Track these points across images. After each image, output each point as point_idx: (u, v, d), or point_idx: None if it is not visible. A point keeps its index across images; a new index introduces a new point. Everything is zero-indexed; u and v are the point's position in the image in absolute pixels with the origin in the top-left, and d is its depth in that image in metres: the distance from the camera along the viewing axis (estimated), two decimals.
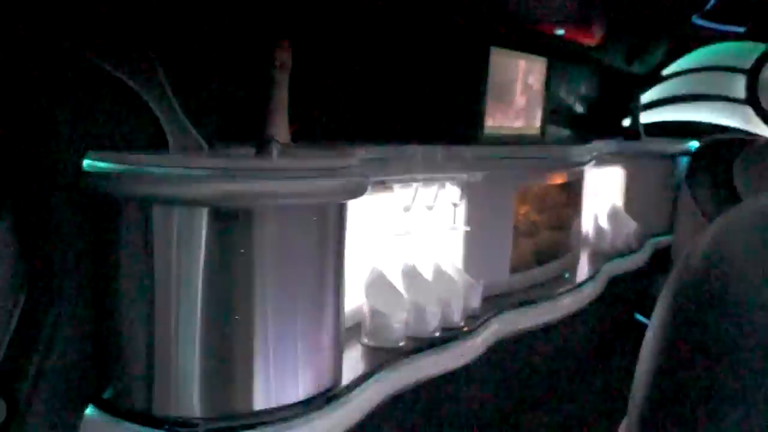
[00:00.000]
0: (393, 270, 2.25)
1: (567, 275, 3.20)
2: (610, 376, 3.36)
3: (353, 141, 2.50)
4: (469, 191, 2.47)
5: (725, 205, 4.12)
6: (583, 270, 3.37)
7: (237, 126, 2.11)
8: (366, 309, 2.10)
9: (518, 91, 3.12)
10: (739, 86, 4.44)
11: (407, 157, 2.20)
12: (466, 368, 2.32)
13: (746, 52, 4.40)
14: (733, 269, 0.68)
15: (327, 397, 1.74)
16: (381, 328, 2.08)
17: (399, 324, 2.10)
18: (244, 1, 2.01)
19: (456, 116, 2.85)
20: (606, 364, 3.53)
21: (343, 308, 1.82)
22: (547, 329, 2.84)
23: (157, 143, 1.67)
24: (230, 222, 1.56)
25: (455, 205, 2.42)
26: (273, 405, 1.64)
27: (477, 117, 2.83)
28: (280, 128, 1.73)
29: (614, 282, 3.55)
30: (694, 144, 4.35)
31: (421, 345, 2.16)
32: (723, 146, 4.24)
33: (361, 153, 2.11)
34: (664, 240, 4.26)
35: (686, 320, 0.68)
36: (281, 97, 1.72)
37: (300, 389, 1.68)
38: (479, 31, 2.84)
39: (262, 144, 1.71)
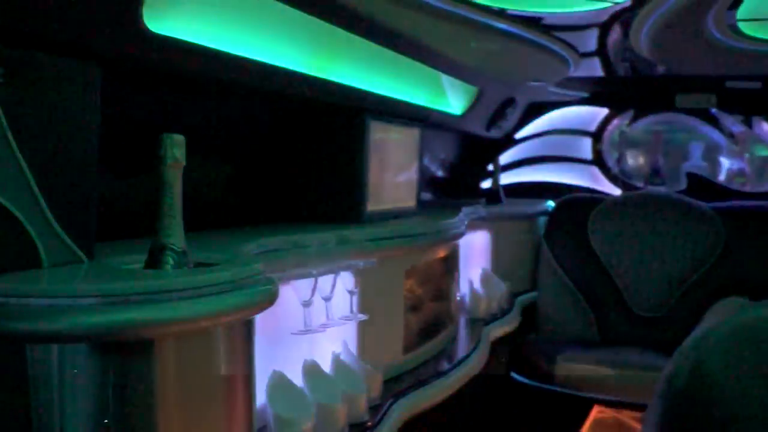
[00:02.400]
0: (294, 369, 2.11)
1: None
2: None
3: (233, 227, 2.38)
4: (362, 276, 2.39)
5: (582, 261, 4.32)
6: (466, 339, 3.37)
7: (122, 227, 1.93)
8: (270, 416, 1.95)
9: (396, 161, 3.10)
10: (586, 148, 4.72)
11: (302, 247, 2.10)
12: None
13: (592, 115, 4.68)
14: (715, 390, 0.71)
15: None
16: None
17: (306, 430, 1.96)
18: (127, 93, 1.85)
19: (336, 194, 2.78)
20: (493, 428, 3.56)
21: (254, 423, 1.67)
22: (442, 403, 2.79)
23: (27, 260, 1.45)
24: (121, 355, 1.38)
25: (351, 293, 2.33)
26: None
27: (358, 194, 2.77)
28: (175, 233, 1.55)
29: (493, 345, 3.58)
30: (551, 204, 4.53)
31: None
32: (577, 205, 4.45)
33: (252, 248, 1.99)
34: (528, 298, 4.38)
35: None
36: (175, 197, 1.55)
37: None
38: (355, 102, 2.80)
39: (153, 254, 1.55)
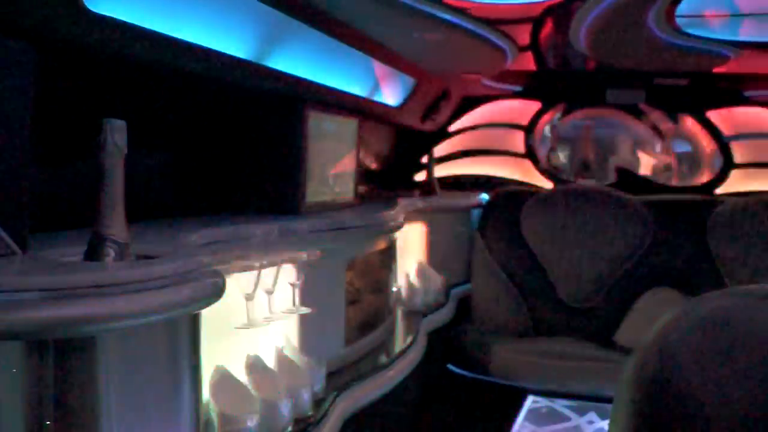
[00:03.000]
0: (237, 365, 2.05)
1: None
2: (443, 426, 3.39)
3: (169, 218, 2.30)
4: (304, 269, 2.34)
5: (515, 253, 4.38)
6: (404, 331, 3.36)
7: (58, 218, 1.83)
8: (214, 414, 1.88)
9: (334, 153, 3.06)
10: (518, 141, 4.77)
11: (244, 238, 2.03)
12: None
13: (524, 109, 4.73)
14: (685, 382, 0.70)
15: None
16: None
17: (251, 426, 1.91)
18: (62, 76, 1.75)
19: (275, 185, 2.72)
20: (431, 418, 3.57)
21: (201, 421, 1.61)
22: (383, 397, 2.77)
23: None
24: (61, 352, 1.30)
25: (294, 285, 2.28)
26: None
27: (297, 185, 2.72)
28: (116, 223, 1.47)
29: (430, 338, 3.58)
30: (485, 196, 4.57)
31: None
32: (510, 198, 4.49)
33: (195, 239, 1.93)
34: (463, 290, 4.41)
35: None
36: (116, 186, 1.47)
37: None
38: (295, 90, 2.74)
39: (93, 246, 1.47)
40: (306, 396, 2.18)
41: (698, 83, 4.19)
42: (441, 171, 4.71)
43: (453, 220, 4.41)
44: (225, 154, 2.69)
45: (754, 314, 0.73)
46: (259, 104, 2.69)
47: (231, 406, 1.89)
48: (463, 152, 4.81)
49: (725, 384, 0.69)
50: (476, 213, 4.55)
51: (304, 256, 2.22)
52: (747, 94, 4.25)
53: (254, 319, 2.07)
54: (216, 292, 1.53)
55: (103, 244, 1.45)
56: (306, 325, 2.44)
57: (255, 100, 2.68)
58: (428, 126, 4.51)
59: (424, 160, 4.73)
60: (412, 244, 3.99)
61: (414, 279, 3.80)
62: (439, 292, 3.91)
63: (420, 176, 4.79)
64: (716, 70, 4.08)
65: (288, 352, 2.28)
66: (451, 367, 3.99)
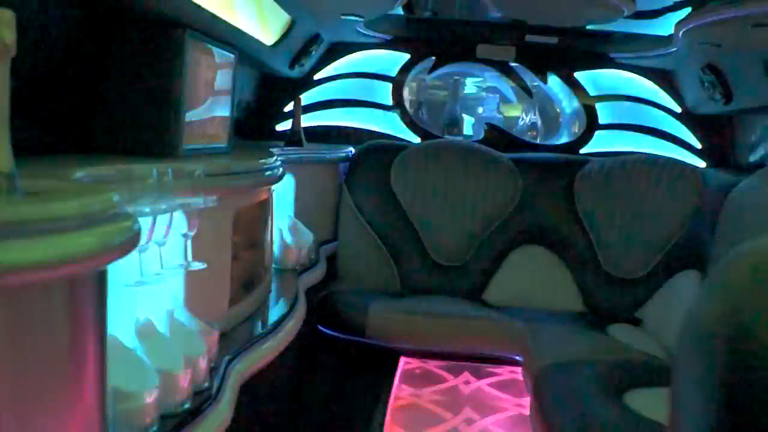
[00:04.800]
0: (125, 332, 1.70)
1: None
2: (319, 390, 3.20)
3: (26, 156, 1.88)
4: (194, 219, 2.01)
5: (384, 209, 4.21)
6: (282, 291, 3.08)
7: None
8: (107, 389, 1.54)
9: (211, 92, 2.70)
10: (387, 93, 4.57)
11: (140, 179, 1.68)
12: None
13: (392, 61, 4.54)
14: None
15: None
16: (130, 413, 1.54)
17: (150, 402, 1.58)
18: None
19: (148, 123, 2.33)
20: (310, 382, 3.37)
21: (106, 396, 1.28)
22: (273, 361, 2.51)
23: None
24: None
25: (186, 236, 1.95)
26: None
27: (175, 125, 2.35)
28: (0, 150, 1.10)
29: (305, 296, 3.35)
30: (352, 149, 4.35)
31: (174, 423, 1.67)
32: (379, 151, 4.31)
33: (81, 177, 1.56)
34: (331, 246, 4.19)
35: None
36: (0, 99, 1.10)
37: None
38: (172, 11, 2.36)
39: None
40: (204, 365, 1.88)
41: (567, 43, 4.19)
42: (305, 122, 4.42)
43: (321, 173, 4.15)
44: (87, 83, 2.27)
45: None
46: (132, 26, 2.29)
47: (126, 381, 1.55)
48: (329, 102, 4.55)
49: None
50: (343, 167, 4.33)
51: (200, 201, 1.89)
52: (613, 56, 4.32)
53: (148, 276, 1.73)
54: (133, 239, 1.20)
55: None
56: (192, 284, 2.11)
57: (126, 20, 2.28)
58: (296, 72, 4.20)
59: (287, 109, 4.44)
60: (281, 198, 3.70)
61: (287, 236, 3.51)
62: (312, 250, 3.67)
63: (282, 127, 4.48)
64: (588, 29, 4.12)
65: (179, 316, 1.95)
66: (322, 328, 3.77)
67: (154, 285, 1.77)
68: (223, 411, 1.89)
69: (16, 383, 1.06)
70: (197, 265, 1.98)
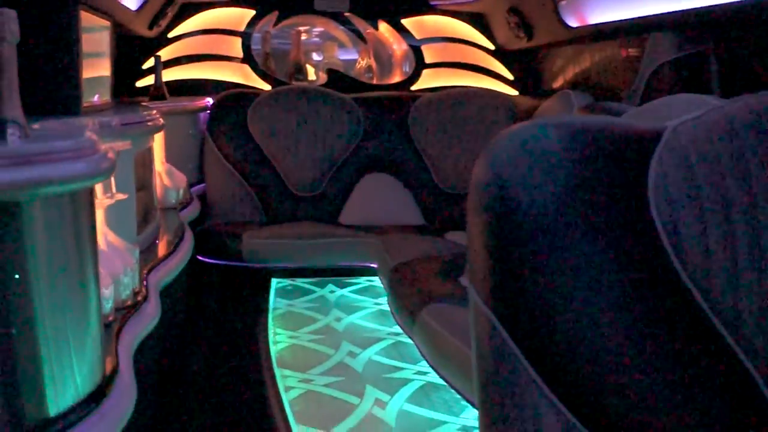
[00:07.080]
0: None
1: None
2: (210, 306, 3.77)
3: None
4: None
5: (244, 151, 4.73)
6: (172, 223, 3.58)
7: None
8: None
9: (96, 53, 3.10)
10: (237, 47, 5.04)
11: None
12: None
13: (240, 16, 5.01)
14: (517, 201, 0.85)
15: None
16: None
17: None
18: None
19: (52, 84, 2.73)
20: (199, 304, 3.89)
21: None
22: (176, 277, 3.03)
23: None
24: None
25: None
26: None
27: (76, 84, 2.76)
28: (15, 107, 1.58)
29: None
30: (210, 100, 4.80)
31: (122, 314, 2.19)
32: (235, 100, 4.80)
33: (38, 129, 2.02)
34: (201, 187, 4.68)
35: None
36: (12, 72, 1.57)
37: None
38: None
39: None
40: (127, 281, 2.36)
41: None
42: (164, 76, 4.81)
43: (184, 122, 4.59)
44: None
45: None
46: None
47: None
48: (185, 58, 4.95)
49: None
50: (203, 116, 4.78)
51: (125, 145, 2.37)
52: (433, 3, 5.03)
53: None
54: (111, 168, 1.72)
55: (4, 125, 1.56)
56: (109, 214, 2.58)
57: None
58: (153, 32, 4.56)
59: (145, 66, 4.80)
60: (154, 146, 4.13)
61: (165, 178, 3.97)
62: (185, 190, 4.14)
63: (141, 83, 4.84)
64: None
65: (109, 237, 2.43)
66: (202, 258, 4.28)
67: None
68: (155, 308, 2.42)
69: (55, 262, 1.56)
70: (120, 196, 2.46)
